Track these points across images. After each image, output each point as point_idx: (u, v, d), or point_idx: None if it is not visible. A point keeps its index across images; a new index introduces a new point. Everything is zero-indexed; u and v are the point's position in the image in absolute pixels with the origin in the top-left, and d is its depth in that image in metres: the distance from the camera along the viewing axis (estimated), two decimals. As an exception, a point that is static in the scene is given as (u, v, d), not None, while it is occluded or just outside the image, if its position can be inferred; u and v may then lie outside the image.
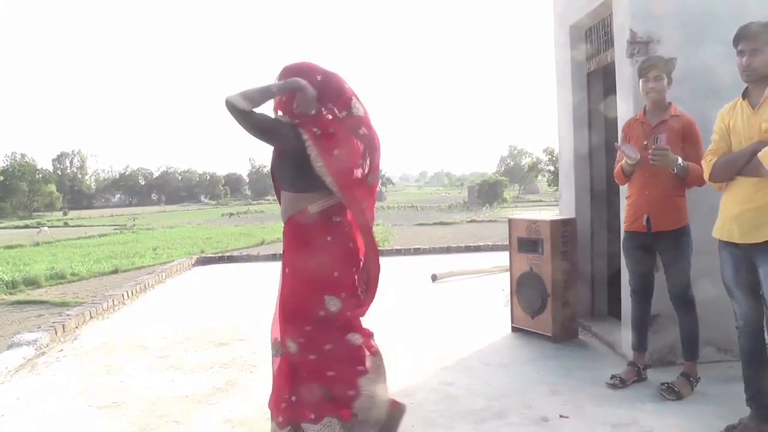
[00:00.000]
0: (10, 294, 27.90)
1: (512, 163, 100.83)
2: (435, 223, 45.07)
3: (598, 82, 5.45)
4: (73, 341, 5.77)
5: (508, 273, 5.60)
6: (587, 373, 4.32)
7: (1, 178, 37.64)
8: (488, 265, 8.96)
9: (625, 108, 4.40)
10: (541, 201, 62.53)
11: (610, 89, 4.94)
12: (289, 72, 3.05)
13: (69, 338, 5.85)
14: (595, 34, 5.31)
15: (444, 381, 4.32)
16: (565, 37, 5.62)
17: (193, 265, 11.03)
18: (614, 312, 5.19)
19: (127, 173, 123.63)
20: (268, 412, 3.72)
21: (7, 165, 76.00)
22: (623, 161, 3.88)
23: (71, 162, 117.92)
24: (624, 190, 4.10)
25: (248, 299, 7.52)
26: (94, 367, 4.94)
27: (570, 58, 5.57)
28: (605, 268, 5.57)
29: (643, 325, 4.08)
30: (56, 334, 5.76)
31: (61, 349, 5.49)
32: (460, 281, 8.37)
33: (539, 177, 74.68)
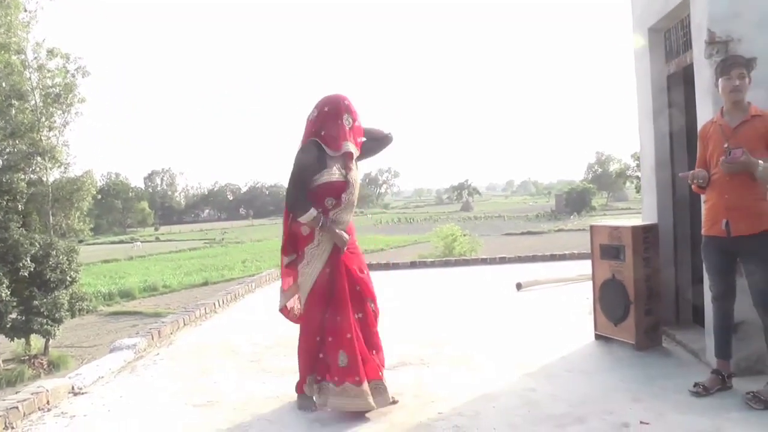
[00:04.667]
0: (108, 305, 29.33)
1: (600, 170, 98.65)
2: (522, 233, 44.69)
3: (678, 84, 5.37)
4: (169, 346, 6.10)
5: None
6: (670, 381, 4.27)
7: (99, 196, 39.72)
8: (573, 274, 8.87)
9: (704, 110, 4.34)
10: (630, 208, 61.06)
11: (690, 92, 4.87)
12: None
13: (165, 343, 6.18)
14: (674, 36, 5.25)
15: (527, 387, 4.36)
16: (644, 40, 5.58)
17: (281, 276, 11.32)
18: (700, 320, 5.07)
19: (216, 189, 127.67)
20: (357, 413, 3.89)
21: (103, 184, 79.71)
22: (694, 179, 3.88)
23: (162, 180, 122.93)
24: (705, 194, 4.05)
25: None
26: (188, 370, 5.23)
27: (649, 61, 5.52)
28: (690, 275, 5.45)
29: (725, 331, 3.99)
30: (153, 339, 6.10)
31: (158, 353, 5.81)
32: (545, 289, 8.33)
33: (628, 184, 72.91)
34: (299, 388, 4.14)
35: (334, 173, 3.96)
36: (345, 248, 4.03)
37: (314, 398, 4.05)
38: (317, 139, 3.98)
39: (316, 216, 3.89)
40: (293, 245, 4.10)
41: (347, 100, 4.05)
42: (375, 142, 4.31)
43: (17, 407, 4.14)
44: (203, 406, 4.29)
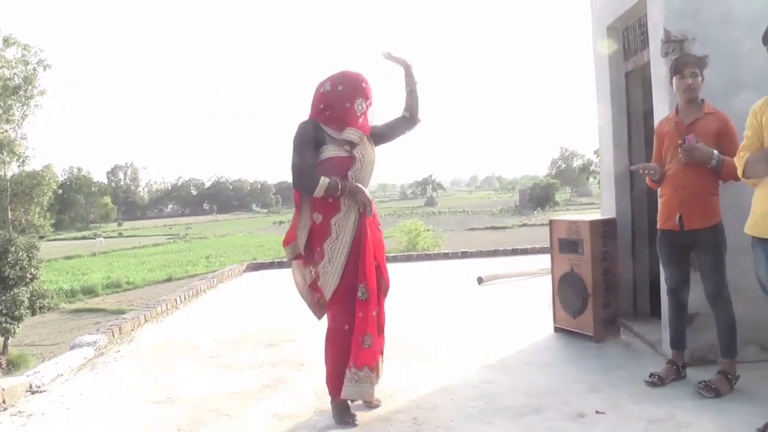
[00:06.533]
0: (70, 302, 28.87)
1: (564, 165, 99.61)
2: (486, 228, 45.02)
3: (636, 82, 5.48)
4: (130, 343, 6.04)
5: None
6: (627, 372, 4.36)
7: (60, 191, 39.21)
8: (534, 268, 8.98)
9: (661, 107, 4.43)
10: (593, 204, 61.79)
11: (647, 89, 4.97)
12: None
13: (125, 340, 6.12)
14: (631, 34, 5.35)
15: (485, 379, 4.41)
16: (602, 38, 5.66)
17: (244, 271, 11.32)
18: (657, 312, 5.18)
19: (179, 184, 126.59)
20: (314, 407, 3.96)
21: (65, 179, 78.36)
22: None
23: (125, 174, 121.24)
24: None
25: (296, 302, 7.68)
26: (149, 366, 5.18)
27: (607, 59, 5.61)
28: (647, 269, 5.56)
29: (680, 322, 4.10)
30: (113, 336, 6.04)
31: (119, 350, 5.75)
32: (506, 284, 8.42)
33: (591, 179, 73.75)
34: (335, 393, 3.72)
35: (336, 149, 3.63)
36: (371, 208, 3.67)
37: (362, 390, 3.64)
38: (316, 119, 3.68)
39: (330, 182, 3.52)
40: (309, 244, 3.78)
41: (365, 82, 3.71)
42: (395, 127, 3.93)
43: (-28, 407, 4.07)
44: (163, 403, 4.26)
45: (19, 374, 5.47)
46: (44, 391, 4.63)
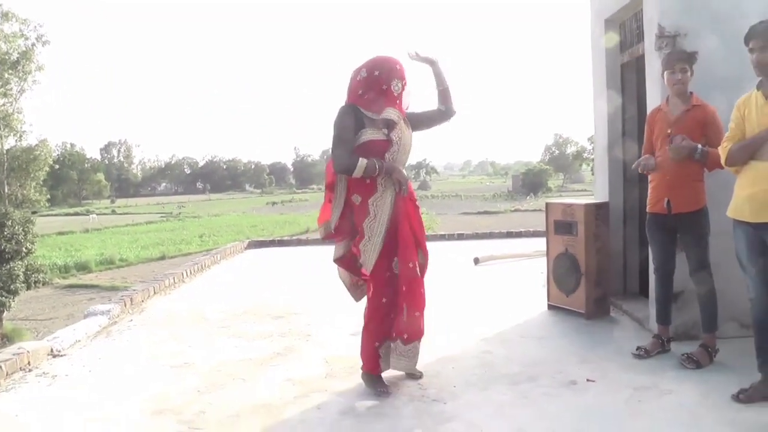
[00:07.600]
0: (63, 278, 28.83)
1: (557, 151, 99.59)
2: (479, 212, 45.16)
3: (631, 73, 5.72)
4: (141, 313, 6.30)
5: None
6: (616, 346, 4.66)
7: (56, 166, 39.07)
8: (528, 250, 9.24)
9: (654, 98, 4.68)
10: (585, 190, 61.94)
11: (642, 80, 5.21)
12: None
13: (137, 310, 6.38)
14: (628, 27, 5.59)
15: (483, 350, 4.70)
16: (601, 30, 5.91)
17: (246, 248, 11.58)
18: (645, 292, 5.45)
19: (173, 162, 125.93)
20: (325, 373, 4.22)
21: (58, 154, 77.93)
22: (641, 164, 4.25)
23: (118, 151, 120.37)
24: (651, 175, 4.39)
25: (300, 278, 8.02)
26: (162, 335, 5.45)
27: (604, 50, 5.85)
28: (637, 250, 5.84)
29: (665, 300, 4.38)
30: (125, 306, 6.30)
31: (131, 319, 6.02)
32: (501, 264, 8.70)
33: (584, 166, 74.03)
34: (371, 367, 3.93)
35: (374, 132, 3.76)
36: (407, 188, 3.84)
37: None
38: (355, 104, 3.81)
39: (369, 163, 3.67)
40: (352, 224, 3.91)
41: (399, 64, 3.84)
42: (431, 117, 4.09)
43: (0, 366, 4.31)
44: (180, 368, 4.52)
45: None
46: (64, 355, 4.89)
